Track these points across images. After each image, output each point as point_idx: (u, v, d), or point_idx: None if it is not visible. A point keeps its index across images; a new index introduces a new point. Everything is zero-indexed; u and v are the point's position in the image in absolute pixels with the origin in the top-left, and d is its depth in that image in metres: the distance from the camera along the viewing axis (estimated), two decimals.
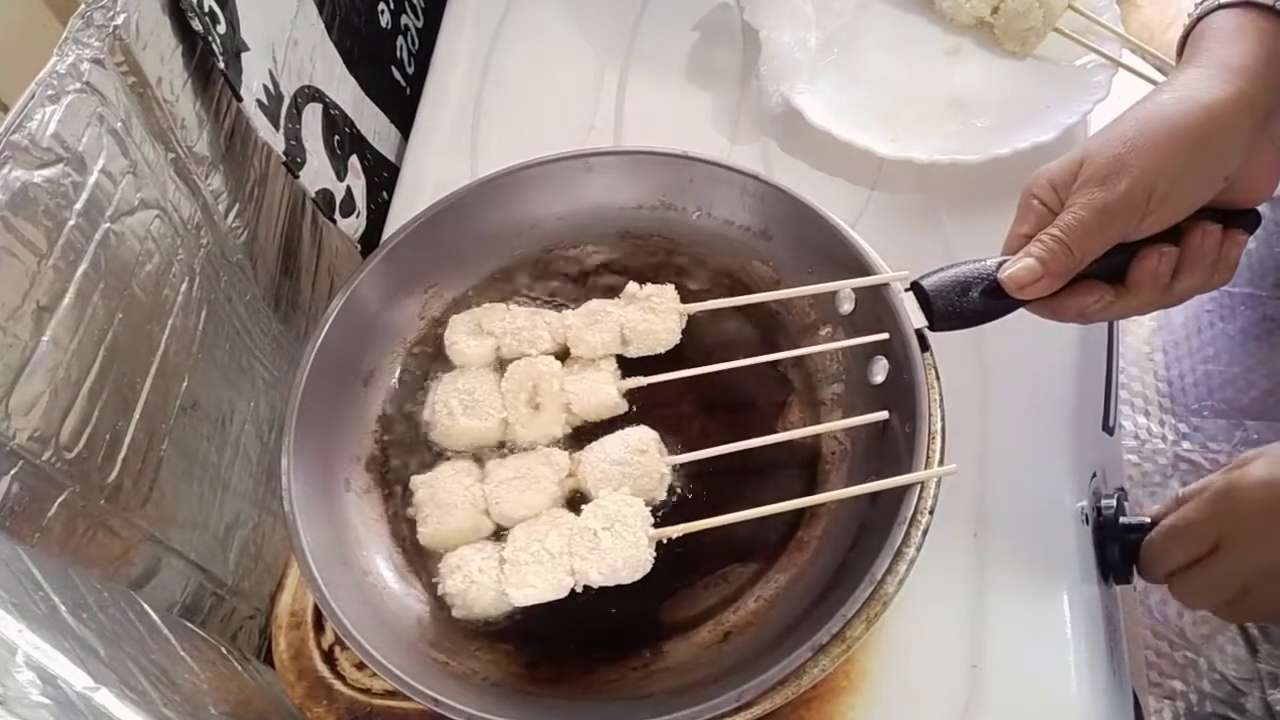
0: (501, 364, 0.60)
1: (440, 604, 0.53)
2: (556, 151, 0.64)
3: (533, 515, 0.53)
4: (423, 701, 0.47)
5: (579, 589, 0.51)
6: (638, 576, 0.50)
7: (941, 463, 0.52)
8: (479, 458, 0.58)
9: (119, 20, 0.51)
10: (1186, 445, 1.29)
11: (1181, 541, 0.55)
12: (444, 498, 0.55)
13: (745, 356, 0.57)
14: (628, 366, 0.59)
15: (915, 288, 0.56)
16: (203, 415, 0.61)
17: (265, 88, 0.61)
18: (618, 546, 0.50)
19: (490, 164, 0.71)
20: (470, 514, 0.54)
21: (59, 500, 0.48)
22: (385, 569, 0.56)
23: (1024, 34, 0.73)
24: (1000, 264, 0.57)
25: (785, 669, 0.46)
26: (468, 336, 0.60)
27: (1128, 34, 0.73)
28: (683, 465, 0.55)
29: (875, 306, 0.56)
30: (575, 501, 0.54)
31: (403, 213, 0.73)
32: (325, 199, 0.68)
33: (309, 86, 0.67)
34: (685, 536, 0.52)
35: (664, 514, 0.55)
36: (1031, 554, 0.57)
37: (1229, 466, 0.55)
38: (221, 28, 0.57)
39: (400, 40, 0.83)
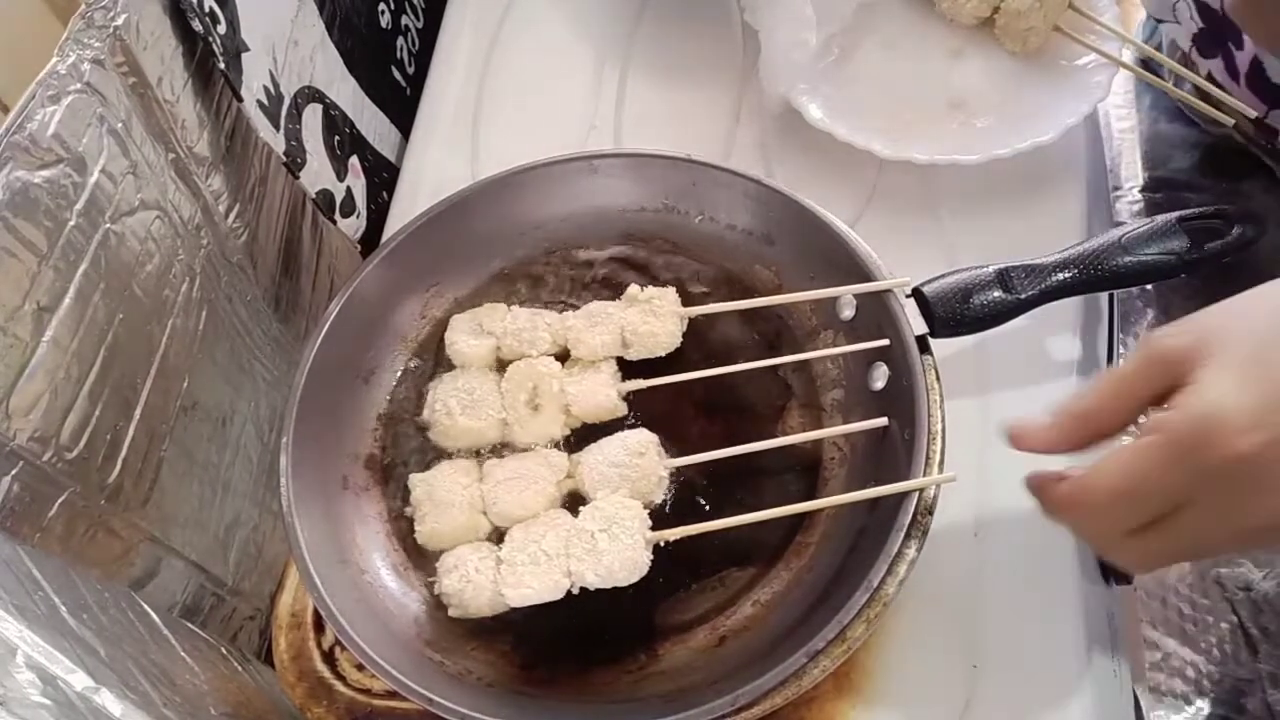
0: (501, 365, 0.60)
1: (437, 603, 0.53)
2: (560, 153, 0.64)
3: (530, 516, 0.53)
4: (418, 701, 0.47)
5: (575, 591, 0.51)
6: (635, 579, 0.50)
7: (942, 465, 0.52)
8: (478, 457, 0.58)
9: (119, 21, 0.51)
10: None
11: (1135, 505, 0.43)
12: (442, 497, 0.55)
13: (746, 361, 0.57)
14: (628, 369, 0.59)
15: (917, 294, 0.56)
16: (203, 416, 0.61)
17: (265, 88, 0.61)
18: (614, 548, 0.50)
19: (490, 164, 0.71)
20: (468, 513, 0.54)
21: (59, 500, 0.48)
22: (382, 568, 0.56)
23: (1024, 34, 0.72)
24: (1001, 271, 0.57)
25: (781, 674, 0.46)
26: (468, 336, 0.60)
27: (1128, 34, 0.73)
28: (681, 468, 0.55)
29: (876, 312, 0.56)
30: (573, 503, 0.54)
31: (403, 213, 0.73)
32: (325, 199, 0.68)
33: (309, 87, 0.67)
34: (682, 540, 0.52)
35: (662, 517, 0.54)
36: (1032, 554, 0.57)
37: (1180, 391, 0.42)
38: (222, 28, 0.57)
39: (400, 41, 0.83)
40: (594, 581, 0.50)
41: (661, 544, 0.52)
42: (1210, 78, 0.75)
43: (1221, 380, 0.41)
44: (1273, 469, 0.40)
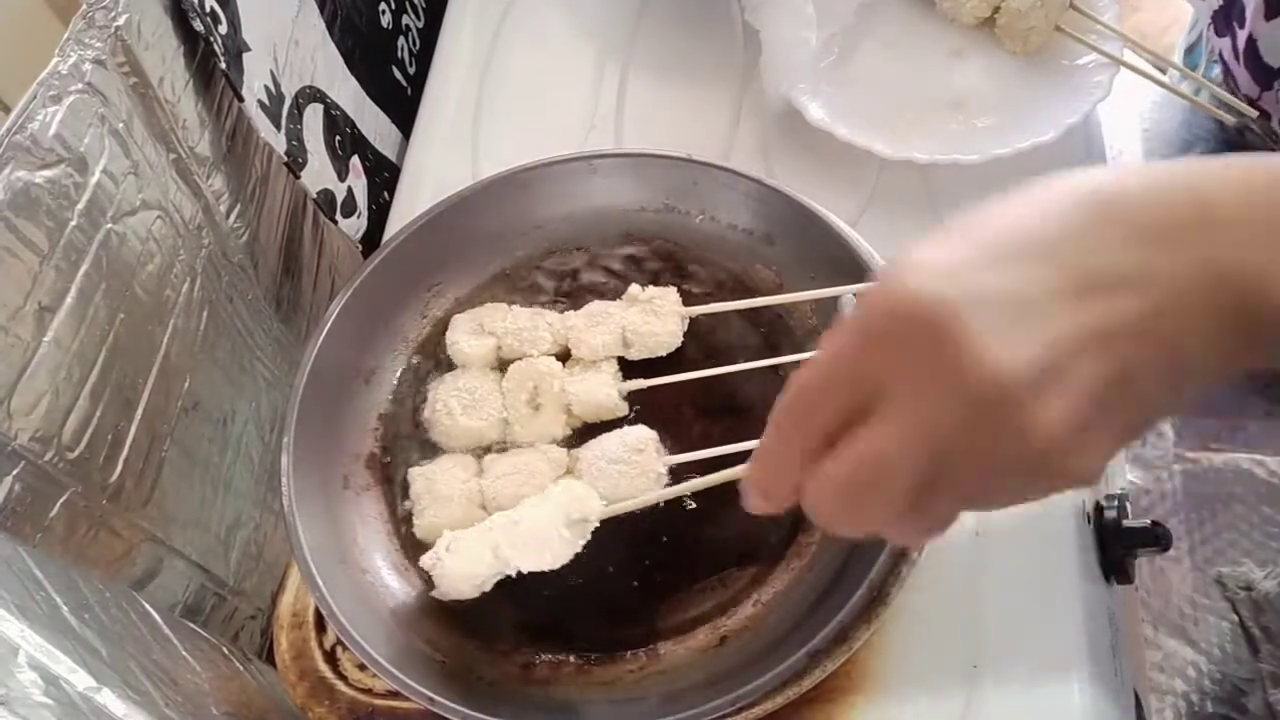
0: (502, 364, 0.60)
1: (439, 602, 0.53)
2: (560, 153, 0.64)
3: None
4: (418, 700, 0.47)
5: (511, 572, 0.49)
6: (553, 564, 0.49)
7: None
8: (478, 452, 0.58)
9: (120, 21, 0.51)
10: (1188, 444, 1.29)
11: (815, 402, 0.32)
12: (441, 490, 0.55)
13: (747, 360, 0.57)
14: (629, 368, 0.59)
15: None
16: (204, 416, 0.61)
17: (267, 88, 0.61)
18: (532, 521, 0.49)
19: (491, 164, 0.71)
20: (467, 507, 0.54)
21: (61, 500, 0.48)
22: (384, 567, 0.56)
23: (1025, 33, 0.72)
24: None
25: (782, 674, 0.46)
26: (469, 336, 0.60)
27: (1128, 33, 0.73)
28: (681, 466, 0.55)
29: None
30: None
31: (404, 213, 0.73)
32: (326, 199, 0.68)
33: (310, 87, 0.67)
34: (681, 539, 0.51)
35: (661, 515, 0.54)
36: (1032, 554, 0.57)
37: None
38: (223, 28, 0.57)
39: (401, 40, 0.83)
40: (510, 555, 0.48)
41: (663, 540, 0.51)
42: (1221, 58, 0.75)
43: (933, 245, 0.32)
44: (984, 334, 0.28)
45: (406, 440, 0.60)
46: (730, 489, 0.56)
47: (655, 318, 0.59)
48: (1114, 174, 0.32)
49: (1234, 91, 0.73)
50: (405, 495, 0.57)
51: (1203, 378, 0.30)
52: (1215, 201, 0.30)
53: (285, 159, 0.63)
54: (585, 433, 0.57)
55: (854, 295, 0.58)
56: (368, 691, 0.55)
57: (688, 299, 0.61)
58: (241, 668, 0.58)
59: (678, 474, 0.56)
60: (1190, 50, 0.84)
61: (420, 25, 0.87)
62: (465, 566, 0.49)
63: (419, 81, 0.83)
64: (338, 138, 0.71)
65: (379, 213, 0.76)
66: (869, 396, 0.31)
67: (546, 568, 0.49)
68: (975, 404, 0.29)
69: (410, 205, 0.73)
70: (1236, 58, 0.73)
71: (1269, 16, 0.68)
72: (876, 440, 0.31)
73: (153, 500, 0.55)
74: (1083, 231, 0.30)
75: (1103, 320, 0.29)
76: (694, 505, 0.55)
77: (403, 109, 0.82)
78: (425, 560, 0.51)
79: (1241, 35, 0.71)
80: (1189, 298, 0.29)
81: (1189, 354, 0.30)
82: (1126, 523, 0.60)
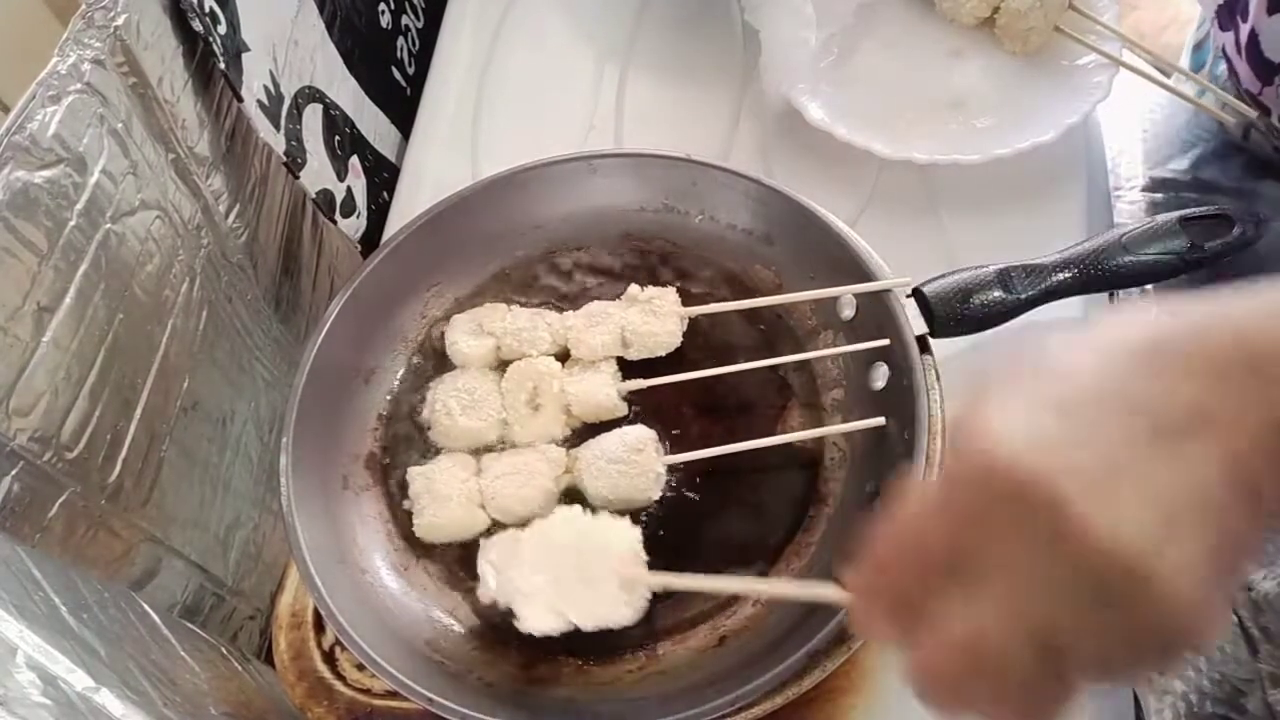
0: (502, 364, 0.60)
1: (437, 603, 0.54)
2: (560, 153, 0.64)
3: (528, 511, 0.54)
4: (418, 701, 0.47)
5: (585, 627, 0.48)
6: (620, 625, 0.48)
7: (942, 464, 0.52)
8: (477, 452, 0.58)
9: (120, 21, 0.51)
10: None
11: (907, 565, 0.31)
12: (440, 490, 0.55)
13: (746, 360, 0.57)
14: (628, 369, 0.59)
15: (917, 294, 0.56)
16: (203, 415, 0.61)
17: (266, 88, 0.61)
18: (593, 585, 0.48)
19: (490, 164, 0.71)
20: (466, 507, 0.55)
21: (60, 501, 0.48)
22: (382, 567, 0.56)
23: (1025, 34, 0.73)
24: (1001, 271, 0.57)
25: (781, 674, 0.46)
26: (468, 336, 0.60)
27: (1128, 34, 0.73)
28: (681, 467, 0.55)
29: (876, 312, 0.56)
30: (571, 498, 0.54)
31: (403, 213, 0.73)
32: (326, 199, 0.68)
33: (309, 87, 0.67)
34: (681, 539, 0.51)
35: (660, 515, 0.55)
36: None
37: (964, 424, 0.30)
38: (222, 28, 0.57)
39: (401, 40, 0.83)
40: (577, 621, 0.48)
41: (662, 539, 0.51)
42: (1224, 52, 0.75)
43: (1010, 406, 0.30)
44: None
45: (406, 440, 0.60)
46: (729, 490, 0.56)
47: (654, 318, 0.59)
48: (1156, 319, 0.31)
49: (1236, 86, 0.73)
50: (404, 495, 0.57)
51: (1275, 520, 0.29)
52: (1261, 349, 0.29)
53: (284, 159, 0.63)
54: (585, 433, 0.58)
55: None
56: (366, 691, 0.55)
57: (687, 299, 0.61)
58: (240, 668, 0.58)
59: (680, 474, 0.56)
60: (1198, 47, 0.83)
61: (420, 25, 0.87)
62: (541, 623, 0.48)
63: (418, 81, 0.83)
64: (337, 138, 0.71)
65: (378, 213, 0.76)
66: (954, 569, 0.29)
67: (617, 626, 0.48)
68: (1092, 577, 0.27)
69: (410, 205, 0.73)
70: (1239, 52, 0.73)
71: (1271, 11, 0.68)
72: (977, 624, 0.29)
73: (151, 500, 0.55)
74: (1143, 376, 0.29)
75: (1190, 469, 0.28)
76: (695, 500, 0.56)
77: (402, 109, 0.82)
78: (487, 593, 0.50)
79: (1244, 30, 0.71)
80: (1257, 436, 0.28)
81: (1268, 495, 0.28)
82: None
